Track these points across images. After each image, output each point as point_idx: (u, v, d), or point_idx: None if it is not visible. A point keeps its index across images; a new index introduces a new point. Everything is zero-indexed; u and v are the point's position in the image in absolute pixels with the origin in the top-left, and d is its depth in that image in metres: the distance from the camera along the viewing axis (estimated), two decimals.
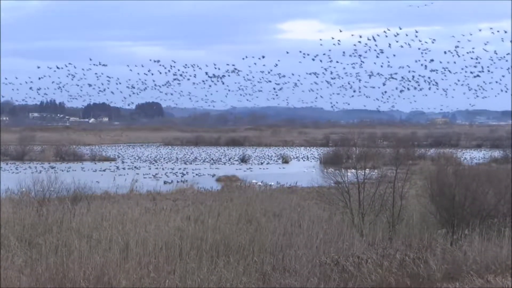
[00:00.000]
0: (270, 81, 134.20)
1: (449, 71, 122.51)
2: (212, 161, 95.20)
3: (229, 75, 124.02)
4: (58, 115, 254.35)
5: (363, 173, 29.24)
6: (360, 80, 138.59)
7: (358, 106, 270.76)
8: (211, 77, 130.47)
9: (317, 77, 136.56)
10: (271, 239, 22.82)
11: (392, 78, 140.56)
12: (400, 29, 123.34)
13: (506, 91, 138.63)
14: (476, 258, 21.30)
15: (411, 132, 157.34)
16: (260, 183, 52.01)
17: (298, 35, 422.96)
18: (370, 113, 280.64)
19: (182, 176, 67.00)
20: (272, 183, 52.80)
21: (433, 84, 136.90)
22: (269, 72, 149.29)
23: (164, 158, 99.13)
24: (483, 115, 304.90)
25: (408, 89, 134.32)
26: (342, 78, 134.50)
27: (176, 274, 18.55)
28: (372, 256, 20.98)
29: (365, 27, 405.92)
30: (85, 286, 17.52)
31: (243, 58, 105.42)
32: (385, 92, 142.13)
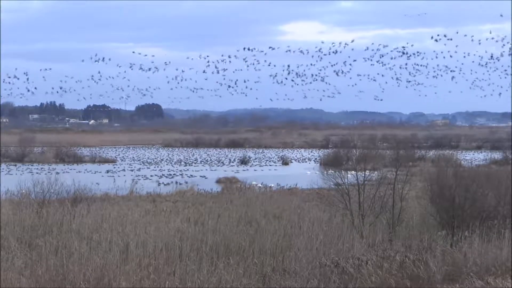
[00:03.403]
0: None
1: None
2: (210, 163, 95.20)
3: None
4: (58, 116, 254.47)
5: (363, 175, 29.23)
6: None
7: (358, 108, 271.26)
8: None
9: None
10: (271, 240, 22.82)
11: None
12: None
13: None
14: (476, 260, 21.28)
15: (411, 134, 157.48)
16: (260, 185, 52.04)
17: (299, 37, 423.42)
18: (370, 115, 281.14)
19: (172, 178, 67.06)
20: (272, 185, 52.81)
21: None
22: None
23: (162, 160, 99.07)
24: (483, 117, 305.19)
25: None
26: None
27: (176, 276, 18.54)
28: (372, 257, 20.97)
29: (366, 29, 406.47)
30: None
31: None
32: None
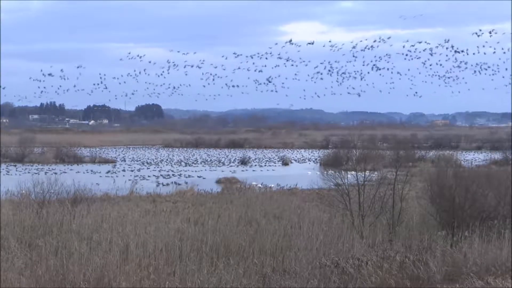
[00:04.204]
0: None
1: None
2: (210, 163, 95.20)
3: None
4: (58, 117, 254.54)
5: (363, 175, 29.22)
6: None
7: (358, 108, 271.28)
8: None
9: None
10: (271, 240, 22.82)
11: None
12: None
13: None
14: (476, 260, 21.29)
15: (411, 134, 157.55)
16: (260, 185, 52.02)
17: (300, 37, 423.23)
18: (370, 115, 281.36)
19: (169, 178, 67.10)
20: (272, 185, 52.81)
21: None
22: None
23: (162, 160, 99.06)
24: (483, 117, 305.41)
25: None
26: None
27: (176, 276, 18.54)
28: (372, 258, 20.95)
29: (368, 29, 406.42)
30: None
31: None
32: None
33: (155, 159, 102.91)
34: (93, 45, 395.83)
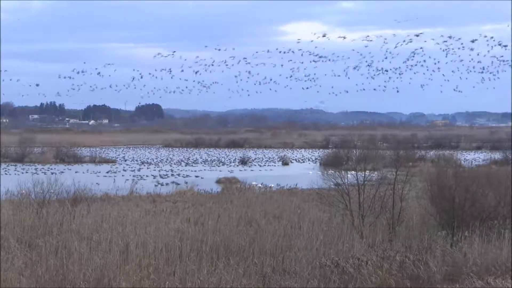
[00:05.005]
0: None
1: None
2: (210, 163, 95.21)
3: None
4: (58, 117, 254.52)
5: (363, 175, 29.21)
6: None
7: (358, 108, 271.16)
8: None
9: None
10: (271, 241, 22.81)
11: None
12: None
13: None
14: (476, 260, 21.28)
15: (411, 134, 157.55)
16: (260, 185, 52.02)
17: (301, 37, 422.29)
18: (370, 115, 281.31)
19: (166, 178, 67.14)
20: (272, 185, 52.81)
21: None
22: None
23: (162, 160, 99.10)
24: (483, 117, 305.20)
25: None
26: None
27: (176, 276, 18.54)
28: (372, 258, 20.94)
29: (368, 29, 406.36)
30: None
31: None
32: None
33: (155, 159, 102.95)
34: (93, 45, 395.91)
